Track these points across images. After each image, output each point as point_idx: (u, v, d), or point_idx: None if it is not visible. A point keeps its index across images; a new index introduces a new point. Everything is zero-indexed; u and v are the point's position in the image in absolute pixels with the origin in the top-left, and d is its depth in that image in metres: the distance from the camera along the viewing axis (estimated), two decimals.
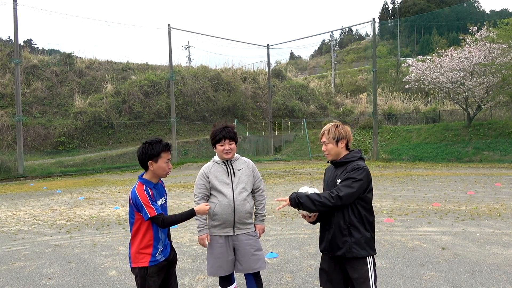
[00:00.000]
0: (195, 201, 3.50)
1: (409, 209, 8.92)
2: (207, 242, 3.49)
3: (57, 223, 8.66)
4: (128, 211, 3.02)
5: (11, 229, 8.18)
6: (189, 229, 7.59)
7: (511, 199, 9.83)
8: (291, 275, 4.82)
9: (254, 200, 3.69)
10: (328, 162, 3.12)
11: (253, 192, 3.66)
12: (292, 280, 4.66)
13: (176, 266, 5.27)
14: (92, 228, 7.97)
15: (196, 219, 3.44)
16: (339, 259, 2.89)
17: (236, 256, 3.51)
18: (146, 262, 2.91)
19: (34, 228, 8.23)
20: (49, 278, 5.02)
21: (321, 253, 3.05)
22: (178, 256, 5.71)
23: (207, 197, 3.51)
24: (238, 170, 3.55)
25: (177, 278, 4.85)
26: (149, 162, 2.91)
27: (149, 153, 2.91)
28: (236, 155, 3.61)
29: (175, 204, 10.71)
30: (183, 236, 7.00)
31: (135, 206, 2.86)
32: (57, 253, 6.19)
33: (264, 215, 3.71)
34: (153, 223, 2.91)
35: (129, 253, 2.98)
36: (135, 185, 2.94)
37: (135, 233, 2.92)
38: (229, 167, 3.54)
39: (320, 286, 3.02)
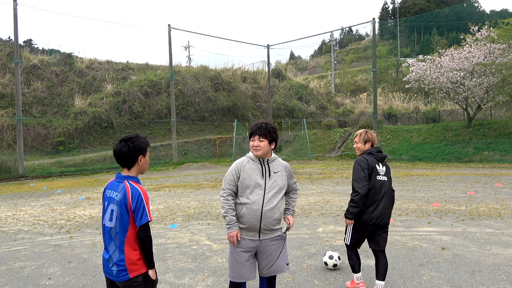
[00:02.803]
0: (222, 196, 3.22)
1: (409, 209, 8.92)
2: (236, 240, 3.19)
3: (57, 223, 8.66)
4: (116, 214, 2.66)
5: (11, 229, 8.18)
6: (189, 229, 7.59)
7: (511, 199, 9.83)
8: (291, 275, 4.82)
9: (287, 198, 3.48)
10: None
11: (288, 192, 3.45)
12: (292, 280, 4.66)
13: (176, 266, 5.29)
14: (92, 228, 7.97)
15: (225, 215, 3.18)
16: (374, 226, 4.04)
17: (259, 258, 3.28)
18: (144, 266, 2.70)
19: (34, 228, 8.23)
20: (49, 278, 5.01)
21: (361, 224, 4.03)
22: (178, 256, 5.74)
23: (235, 194, 3.25)
24: (275, 172, 3.25)
25: (177, 278, 4.88)
26: (140, 156, 2.76)
27: (141, 147, 2.76)
28: (273, 155, 3.32)
29: (175, 204, 10.71)
30: (183, 236, 7.00)
31: (136, 206, 2.61)
32: (57, 253, 6.19)
33: (295, 211, 3.46)
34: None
35: (124, 263, 2.63)
36: (131, 184, 2.68)
37: (132, 237, 2.66)
38: (265, 167, 3.24)
39: (358, 248, 4.21)
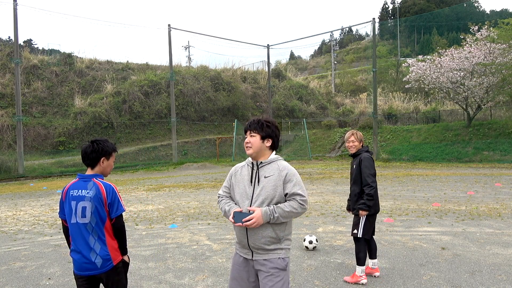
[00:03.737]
0: (218, 203, 2.84)
1: (409, 209, 8.92)
2: (235, 252, 2.80)
3: (57, 223, 8.66)
4: (91, 209, 2.80)
5: (11, 229, 8.18)
6: (189, 229, 7.59)
7: (511, 199, 9.83)
8: (291, 275, 4.82)
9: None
10: (349, 155, 4.78)
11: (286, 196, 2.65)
12: (292, 280, 4.66)
13: (176, 266, 5.29)
14: None
15: (226, 210, 2.72)
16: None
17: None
18: (120, 253, 2.96)
19: (34, 228, 8.23)
20: (49, 278, 5.02)
21: (375, 214, 4.55)
22: (178, 256, 5.74)
23: (231, 200, 2.81)
24: (265, 177, 2.64)
25: (177, 278, 4.88)
26: (102, 158, 2.95)
27: (105, 149, 2.95)
28: (271, 157, 2.72)
29: (175, 204, 10.72)
30: (183, 236, 7.00)
31: (112, 200, 2.85)
32: (57, 253, 6.19)
33: (280, 208, 2.55)
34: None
35: (108, 251, 2.84)
36: (102, 181, 2.89)
37: (110, 227, 2.88)
38: (255, 171, 2.68)
39: (369, 239, 4.54)
